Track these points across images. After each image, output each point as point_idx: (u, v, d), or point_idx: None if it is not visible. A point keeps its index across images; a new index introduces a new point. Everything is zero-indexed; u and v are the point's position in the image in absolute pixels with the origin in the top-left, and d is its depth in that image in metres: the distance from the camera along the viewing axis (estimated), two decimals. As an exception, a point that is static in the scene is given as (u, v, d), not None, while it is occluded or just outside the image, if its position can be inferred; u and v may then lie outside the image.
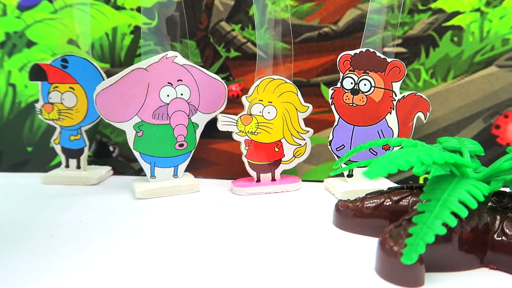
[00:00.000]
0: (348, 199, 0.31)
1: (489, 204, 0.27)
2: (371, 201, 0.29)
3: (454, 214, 0.23)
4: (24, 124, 0.48)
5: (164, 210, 0.36)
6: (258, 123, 0.40)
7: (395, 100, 0.39)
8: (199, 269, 0.26)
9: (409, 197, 0.29)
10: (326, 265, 0.26)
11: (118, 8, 0.46)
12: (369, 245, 0.28)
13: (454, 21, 0.41)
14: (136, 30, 0.46)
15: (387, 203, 0.29)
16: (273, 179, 0.41)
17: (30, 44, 0.47)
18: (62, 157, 0.45)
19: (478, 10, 0.40)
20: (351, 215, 0.30)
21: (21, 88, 0.48)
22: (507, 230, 0.24)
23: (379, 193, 0.30)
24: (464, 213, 0.22)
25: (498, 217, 0.25)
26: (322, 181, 0.43)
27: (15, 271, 0.25)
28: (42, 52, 0.47)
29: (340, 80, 0.39)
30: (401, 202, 0.28)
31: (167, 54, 0.39)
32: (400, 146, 0.37)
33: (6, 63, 0.48)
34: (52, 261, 0.27)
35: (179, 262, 0.26)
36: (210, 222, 0.33)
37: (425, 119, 0.40)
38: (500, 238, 0.24)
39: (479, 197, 0.23)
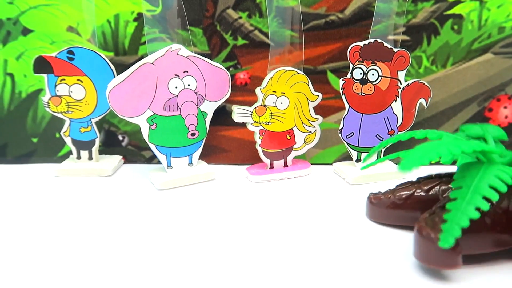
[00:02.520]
0: (379, 192, 0.33)
1: None
2: (403, 192, 0.31)
3: (485, 198, 0.25)
4: (27, 115, 0.48)
5: (186, 199, 0.38)
6: (271, 113, 0.41)
7: (400, 88, 0.41)
8: (235, 254, 0.28)
9: (439, 186, 0.31)
10: (362, 252, 0.29)
11: (119, -6, 0.44)
12: (402, 234, 0.31)
13: (455, 10, 0.43)
14: (139, 17, 0.45)
15: (418, 193, 0.31)
16: (285, 165, 0.43)
17: (26, 31, 0.46)
18: (73, 149, 0.45)
19: (477, -1, 0.42)
20: (384, 206, 0.32)
21: (20, 77, 0.47)
22: None
23: (409, 184, 0.32)
24: (495, 197, 0.24)
25: None
26: (329, 164, 0.46)
27: (41, 267, 0.27)
28: (40, 40, 0.46)
29: (350, 71, 0.41)
30: (431, 191, 0.30)
31: (171, 47, 0.39)
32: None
33: (1, 51, 0.46)
34: (79, 254, 0.28)
35: (212, 248, 0.29)
36: (234, 210, 0.36)
37: (426, 105, 0.42)
38: None
39: (508, 180, 0.25)
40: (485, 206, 0.24)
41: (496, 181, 0.25)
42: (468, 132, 0.33)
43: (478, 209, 0.25)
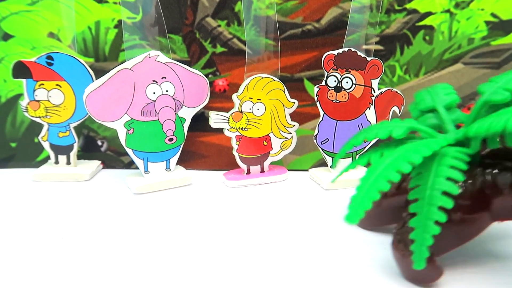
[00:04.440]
0: None
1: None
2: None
3: (441, 208, 0.24)
4: (6, 120, 0.48)
5: (162, 204, 0.38)
6: (248, 119, 0.42)
7: (373, 96, 0.42)
8: (208, 260, 0.28)
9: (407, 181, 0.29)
10: (337, 255, 0.29)
11: (100, 1, 0.45)
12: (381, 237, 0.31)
13: (426, 21, 0.44)
14: (120, 24, 0.46)
15: (391, 193, 0.30)
16: (262, 171, 0.44)
17: (6, 37, 0.46)
18: (51, 153, 0.45)
19: (448, 11, 0.44)
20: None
21: (-1, 82, 0.47)
22: (500, 186, 0.25)
23: None
24: (449, 204, 0.24)
25: (489, 171, 0.26)
26: (306, 170, 0.46)
27: (14, 274, 0.27)
28: (21, 45, 0.46)
29: (325, 79, 0.42)
30: (402, 186, 0.30)
31: (149, 54, 0.40)
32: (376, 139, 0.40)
33: (-19, 56, 0.46)
34: (59, 260, 0.28)
35: (187, 255, 0.29)
36: (210, 214, 0.36)
37: (399, 112, 0.43)
38: (496, 193, 0.25)
39: (459, 178, 0.24)
40: (443, 218, 0.24)
41: (448, 184, 0.24)
42: (421, 105, 0.31)
43: (437, 222, 0.24)
